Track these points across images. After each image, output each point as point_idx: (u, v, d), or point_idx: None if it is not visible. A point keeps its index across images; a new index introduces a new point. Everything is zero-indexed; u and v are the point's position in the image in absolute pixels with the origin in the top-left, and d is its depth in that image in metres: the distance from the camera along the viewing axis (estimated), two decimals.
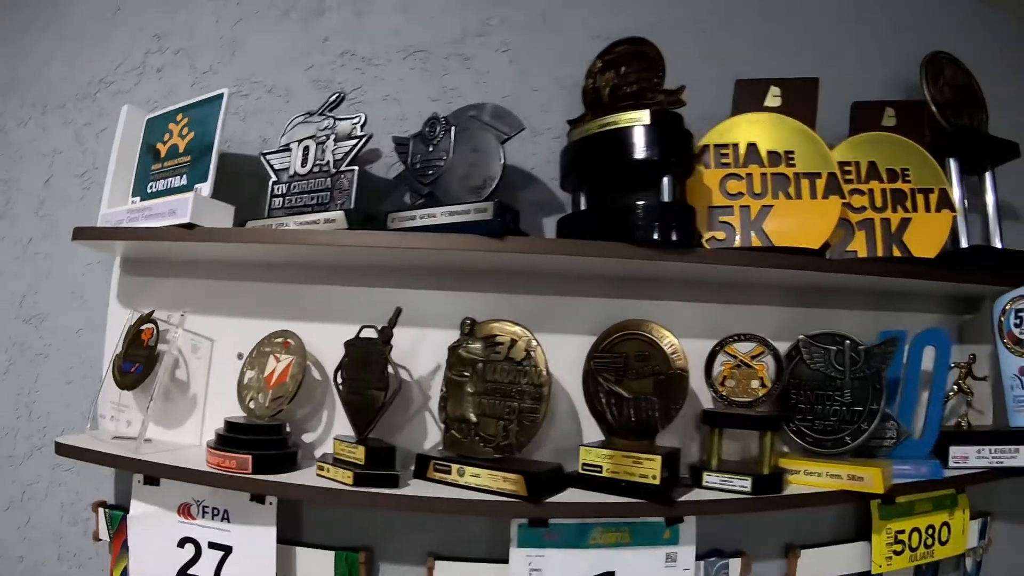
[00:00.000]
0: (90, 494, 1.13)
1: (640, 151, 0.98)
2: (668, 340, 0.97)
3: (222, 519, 1.04)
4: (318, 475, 0.97)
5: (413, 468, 1.00)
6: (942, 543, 1.20)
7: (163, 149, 1.10)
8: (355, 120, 1.05)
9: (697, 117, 1.07)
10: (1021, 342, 1.18)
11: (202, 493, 1.05)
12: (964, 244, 1.19)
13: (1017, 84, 1.39)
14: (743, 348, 1.03)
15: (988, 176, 1.26)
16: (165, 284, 1.13)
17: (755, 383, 1.02)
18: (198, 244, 0.98)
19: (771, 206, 1.10)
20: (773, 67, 1.19)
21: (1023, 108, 1.37)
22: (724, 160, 1.13)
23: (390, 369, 0.99)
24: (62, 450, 1.01)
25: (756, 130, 1.13)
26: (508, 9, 1.22)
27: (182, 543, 1.04)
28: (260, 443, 0.98)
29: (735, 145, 1.13)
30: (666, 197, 0.98)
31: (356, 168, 1.03)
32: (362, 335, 1.02)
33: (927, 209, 1.16)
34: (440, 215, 0.97)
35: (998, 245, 1.23)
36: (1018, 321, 1.19)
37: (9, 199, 1.26)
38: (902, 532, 1.16)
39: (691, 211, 0.99)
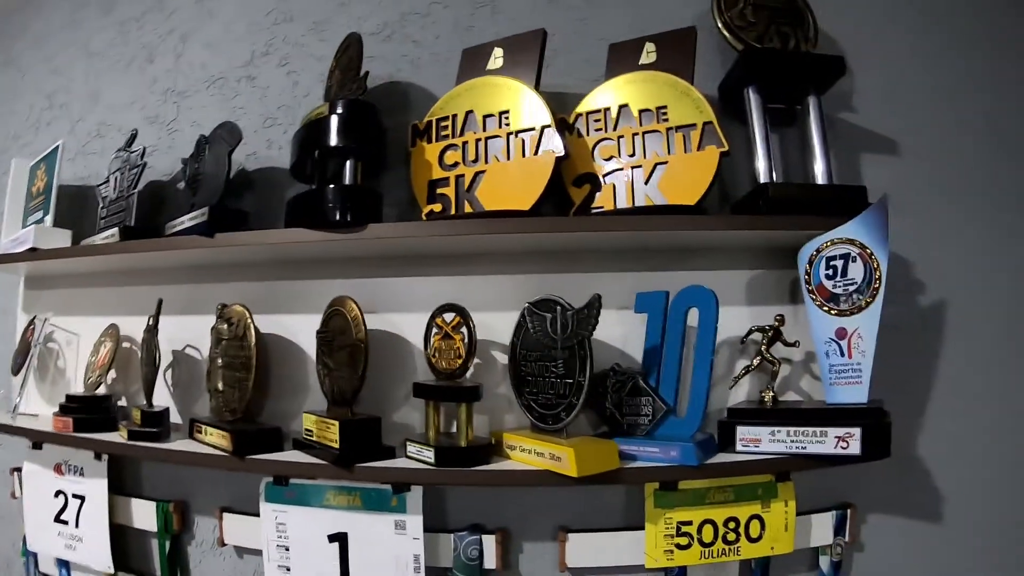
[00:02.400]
0: (10, 462, 1.51)
1: (328, 139, 1.10)
2: (354, 313, 1.07)
3: (79, 474, 1.36)
4: (118, 433, 1.24)
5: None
6: (751, 540, 1.09)
7: (34, 191, 1.45)
8: (136, 151, 1.30)
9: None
10: (835, 297, 1.02)
11: (67, 454, 1.37)
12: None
13: None
14: (448, 318, 1.08)
15: (812, 103, 1.13)
16: (54, 294, 1.47)
17: (456, 354, 1.06)
18: (59, 261, 1.30)
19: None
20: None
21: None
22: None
23: (161, 350, 1.23)
24: None
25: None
26: (288, 27, 1.39)
27: (56, 494, 1.37)
28: (82, 409, 1.27)
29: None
30: (347, 180, 1.09)
31: (136, 191, 1.28)
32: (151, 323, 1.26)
33: (686, 149, 1.07)
34: (185, 221, 1.18)
35: (821, 182, 1.11)
36: (830, 271, 1.03)
37: None
38: (688, 524, 1.08)
39: (367, 192, 1.08)
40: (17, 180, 1.48)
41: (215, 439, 1.12)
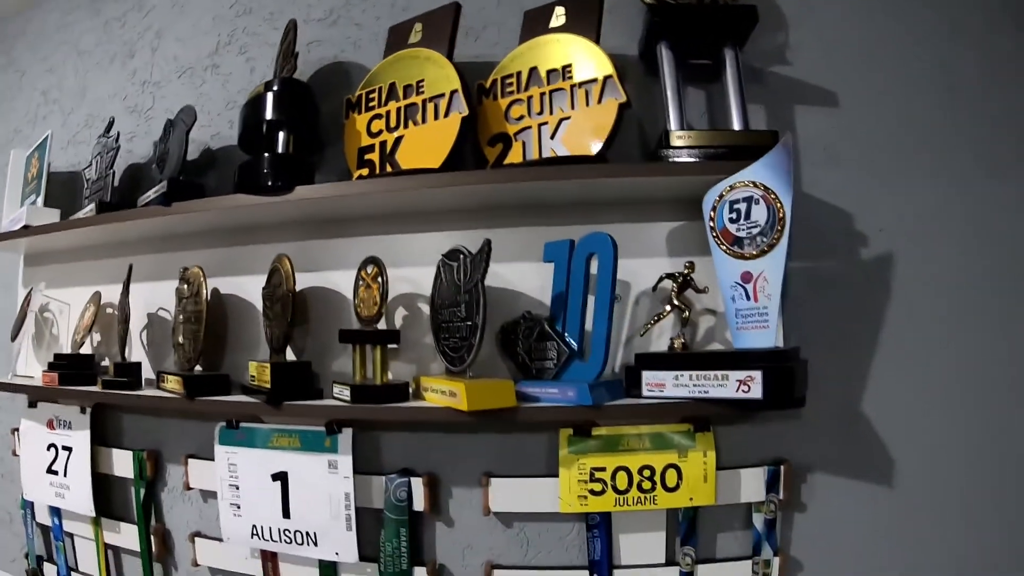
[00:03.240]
0: (10, 423, 1.68)
1: (264, 113, 1.23)
2: (286, 268, 1.19)
3: (68, 428, 1.52)
4: (98, 387, 1.39)
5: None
6: (668, 489, 1.11)
7: (30, 177, 1.62)
8: (111, 136, 1.46)
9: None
10: (739, 241, 1.04)
11: (57, 410, 1.53)
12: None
13: None
14: (369, 270, 1.19)
15: (729, 55, 1.15)
16: (48, 269, 1.65)
17: (374, 301, 1.17)
18: (50, 237, 1.46)
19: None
20: None
21: None
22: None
23: (131, 310, 1.37)
24: None
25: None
26: (247, 19, 1.53)
27: (49, 447, 1.54)
28: (67, 366, 1.43)
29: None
30: (280, 150, 1.21)
31: (112, 171, 1.43)
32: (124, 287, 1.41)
33: (588, 103, 1.12)
34: (149, 195, 1.32)
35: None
36: (734, 215, 1.04)
37: None
38: (601, 470, 1.12)
39: (295, 160, 1.20)
40: (15, 168, 1.66)
41: (173, 385, 1.25)
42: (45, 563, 1.65)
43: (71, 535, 1.59)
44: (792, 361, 1.00)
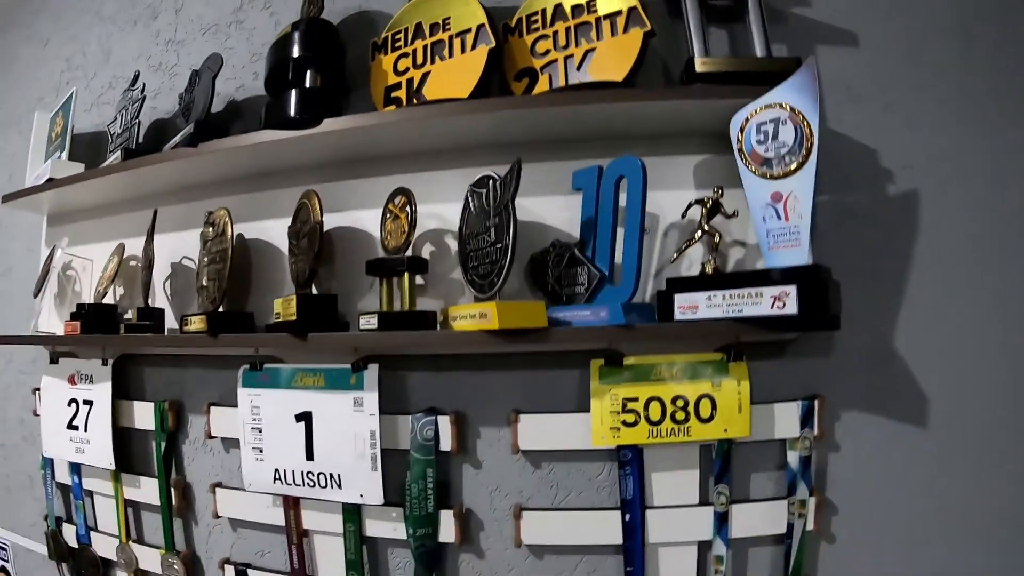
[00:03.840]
0: (33, 384, 1.68)
1: (291, 51, 1.24)
2: (314, 202, 1.19)
3: (88, 382, 1.51)
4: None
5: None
6: (702, 420, 1.09)
7: (54, 136, 1.64)
8: (136, 88, 1.48)
9: None
10: (767, 162, 1.03)
11: (79, 365, 1.53)
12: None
13: None
14: (397, 201, 1.19)
15: None
16: (71, 227, 1.66)
17: (402, 231, 1.16)
18: (74, 192, 1.49)
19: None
20: None
21: None
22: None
23: (155, 256, 1.38)
24: (3, 340, 1.58)
25: None
26: None
27: (69, 403, 1.54)
28: (89, 315, 1.43)
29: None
30: (307, 85, 1.21)
31: (138, 120, 1.45)
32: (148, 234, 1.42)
33: (613, 34, 1.13)
34: (176, 139, 1.33)
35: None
36: (761, 137, 1.03)
37: None
38: (634, 400, 1.10)
39: (320, 92, 1.20)
40: (39, 130, 1.68)
41: (196, 325, 1.24)
42: (64, 524, 1.63)
43: (91, 493, 1.58)
44: (825, 277, 0.99)
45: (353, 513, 1.26)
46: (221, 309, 1.27)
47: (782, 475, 1.16)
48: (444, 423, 1.20)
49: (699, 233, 1.11)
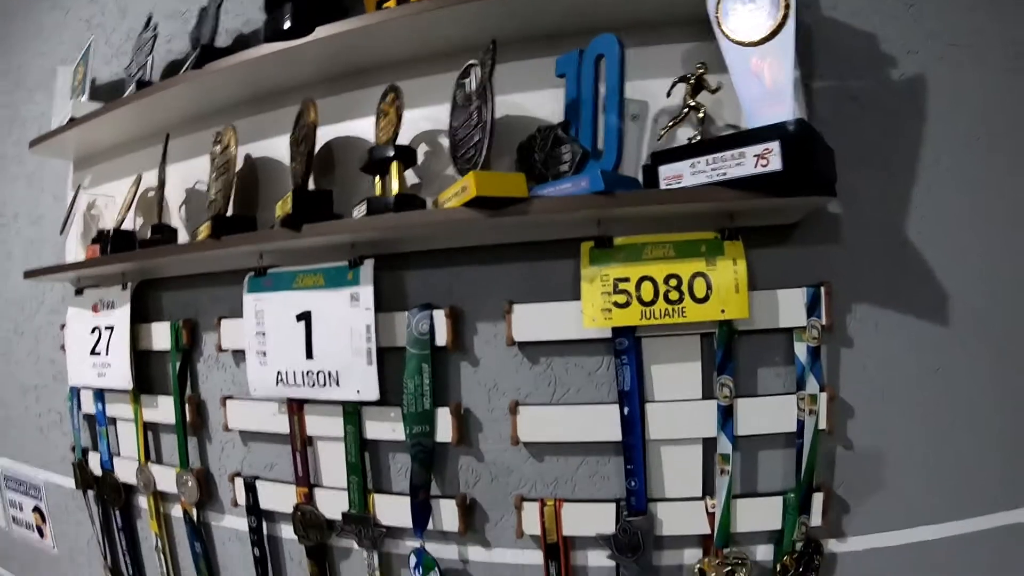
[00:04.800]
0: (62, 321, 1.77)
1: None
2: (308, 107, 1.24)
3: (109, 307, 1.59)
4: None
5: None
6: (697, 300, 1.06)
7: (75, 85, 1.74)
8: (150, 29, 1.56)
9: None
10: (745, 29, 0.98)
11: (102, 294, 1.61)
12: None
13: None
14: (388, 98, 1.22)
15: None
16: (95, 170, 1.75)
17: (391, 123, 1.19)
18: (96, 132, 1.58)
19: None
20: None
21: None
22: None
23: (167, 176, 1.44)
24: (28, 275, 1.68)
25: None
26: None
27: (93, 330, 1.62)
28: (108, 239, 1.50)
29: None
30: None
31: (151, 56, 1.53)
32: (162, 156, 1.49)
33: None
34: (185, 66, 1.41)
35: None
36: (738, 4, 0.99)
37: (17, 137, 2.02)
38: (625, 281, 1.09)
39: (311, 4, 1.24)
40: (62, 84, 1.79)
41: (203, 233, 1.30)
42: (90, 454, 1.71)
43: (113, 420, 1.65)
44: (809, 130, 0.94)
45: (353, 415, 1.28)
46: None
47: (790, 371, 1.13)
48: (439, 317, 1.22)
49: (685, 110, 1.10)
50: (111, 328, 1.57)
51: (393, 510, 1.28)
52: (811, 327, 1.09)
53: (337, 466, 1.32)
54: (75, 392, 1.70)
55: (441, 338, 1.22)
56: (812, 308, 1.10)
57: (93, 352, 1.60)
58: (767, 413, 1.12)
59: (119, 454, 1.65)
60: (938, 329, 1.11)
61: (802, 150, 0.91)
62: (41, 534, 1.94)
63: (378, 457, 1.32)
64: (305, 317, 1.27)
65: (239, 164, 1.37)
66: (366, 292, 1.22)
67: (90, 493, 1.72)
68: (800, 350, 1.11)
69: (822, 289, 1.09)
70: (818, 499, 1.11)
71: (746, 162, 0.95)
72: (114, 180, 1.69)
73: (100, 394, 1.64)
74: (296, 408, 1.33)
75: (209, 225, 1.26)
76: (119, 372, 1.54)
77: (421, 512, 1.24)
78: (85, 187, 1.69)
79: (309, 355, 1.26)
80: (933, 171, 1.13)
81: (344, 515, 1.30)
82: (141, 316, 1.57)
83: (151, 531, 1.61)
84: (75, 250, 1.71)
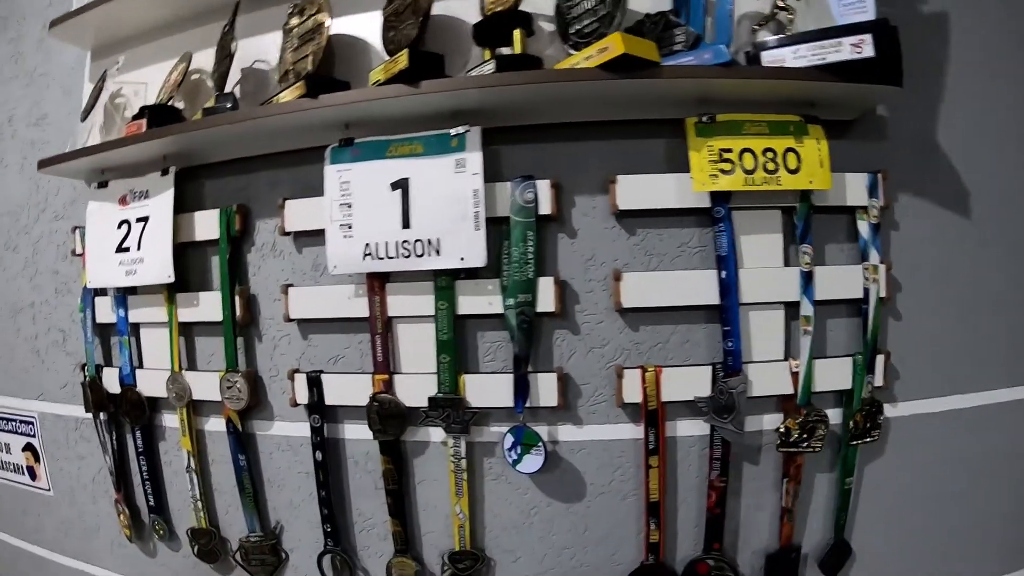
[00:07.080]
0: (72, 221, 1.62)
1: None
2: None
3: (144, 198, 1.46)
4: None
5: None
6: (790, 171, 1.17)
7: None
8: None
9: None
10: None
11: (132, 184, 1.48)
12: None
13: None
14: None
15: None
16: (120, 55, 1.59)
17: None
18: (122, 8, 1.45)
19: None
20: None
21: None
22: None
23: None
24: (42, 164, 1.51)
25: None
26: None
27: (120, 225, 1.47)
28: (154, 112, 1.39)
29: None
30: None
31: None
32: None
33: None
34: None
35: None
36: None
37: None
38: (728, 151, 1.17)
39: None
40: None
41: (293, 93, 1.23)
42: (104, 371, 1.54)
43: (136, 328, 1.50)
44: (894, 26, 1.09)
45: (446, 289, 1.25)
46: None
47: (852, 247, 1.26)
48: (543, 186, 1.22)
49: (774, 11, 1.21)
50: (144, 220, 1.44)
51: (485, 390, 1.25)
52: (872, 207, 1.24)
53: (420, 349, 1.28)
54: (89, 298, 1.52)
55: (545, 207, 1.23)
56: (871, 191, 1.25)
57: (120, 249, 1.45)
58: (838, 280, 1.24)
59: (141, 366, 1.49)
60: (970, 225, 1.30)
61: (891, 42, 1.08)
62: (33, 476, 1.69)
63: (466, 336, 1.30)
64: (402, 185, 1.23)
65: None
66: (473, 158, 1.20)
67: (102, 417, 1.53)
68: (863, 227, 1.25)
69: (879, 175, 1.24)
70: (880, 361, 1.25)
71: (843, 49, 1.09)
72: (146, 65, 1.56)
73: (122, 299, 1.49)
74: (379, 287, 1.28)
75: (302, 84, 1.21)
76: (155, 266, 1.40)
77: (522, 386, 1.23)
78: (116, 70, 1.54)
79: (406, 224, 1.22)
80: (965, 81, 1.30)
81: (431, 399, 1.26)
82: (178, 207, 1.44)
83: (182, 450, 1.46)
84: (91, 130, 1.55)
